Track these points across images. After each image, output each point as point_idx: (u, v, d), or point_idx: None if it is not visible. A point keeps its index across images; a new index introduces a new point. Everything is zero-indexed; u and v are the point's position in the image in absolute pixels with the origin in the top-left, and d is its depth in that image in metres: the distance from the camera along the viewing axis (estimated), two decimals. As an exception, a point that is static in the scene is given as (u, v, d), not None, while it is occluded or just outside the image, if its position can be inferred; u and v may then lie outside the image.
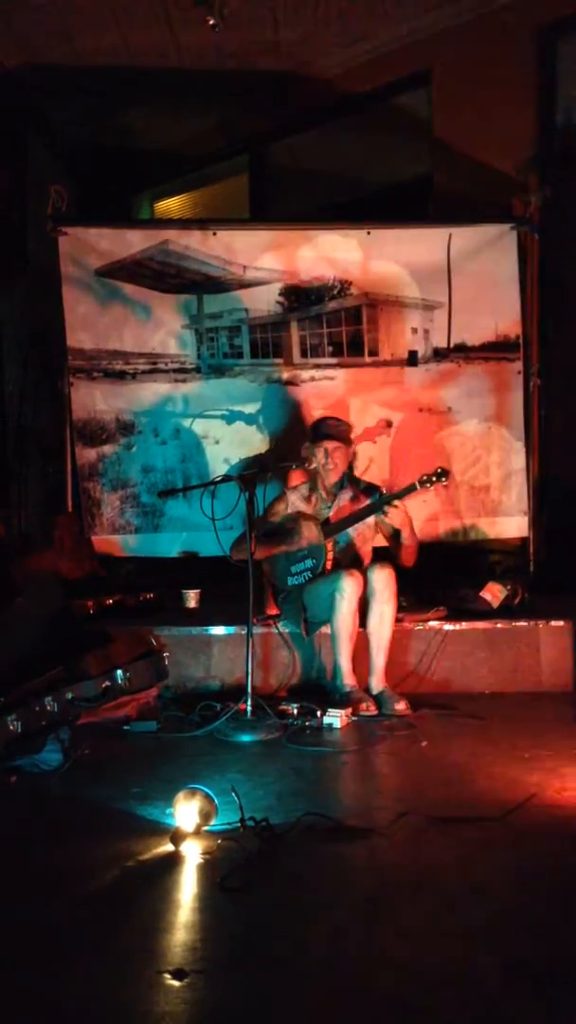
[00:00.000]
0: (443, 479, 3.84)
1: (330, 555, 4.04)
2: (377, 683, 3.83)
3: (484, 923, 1.94)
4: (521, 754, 3.15)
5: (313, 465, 4.05)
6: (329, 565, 4.01)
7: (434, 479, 3.82)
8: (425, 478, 3.83)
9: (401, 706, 3.69)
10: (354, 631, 3.82)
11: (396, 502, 3.82)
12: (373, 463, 5.04)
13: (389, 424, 5.10)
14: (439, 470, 3.84)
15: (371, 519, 4.03)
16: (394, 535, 3.98)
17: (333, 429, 4.09)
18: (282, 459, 4.42)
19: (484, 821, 2.49)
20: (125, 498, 5.10)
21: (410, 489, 3.84)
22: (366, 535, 4.12)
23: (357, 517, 4.01)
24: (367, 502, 4.04)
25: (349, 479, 4.16)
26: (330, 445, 4.03)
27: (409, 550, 3.95)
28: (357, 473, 4.49)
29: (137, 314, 5.10)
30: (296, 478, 4.31)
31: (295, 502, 4.16)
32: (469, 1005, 1.63)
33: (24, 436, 5.78)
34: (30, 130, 6.34)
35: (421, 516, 4.29)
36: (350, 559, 4.07)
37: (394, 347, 5.13)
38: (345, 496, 4.12)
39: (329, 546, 4.04)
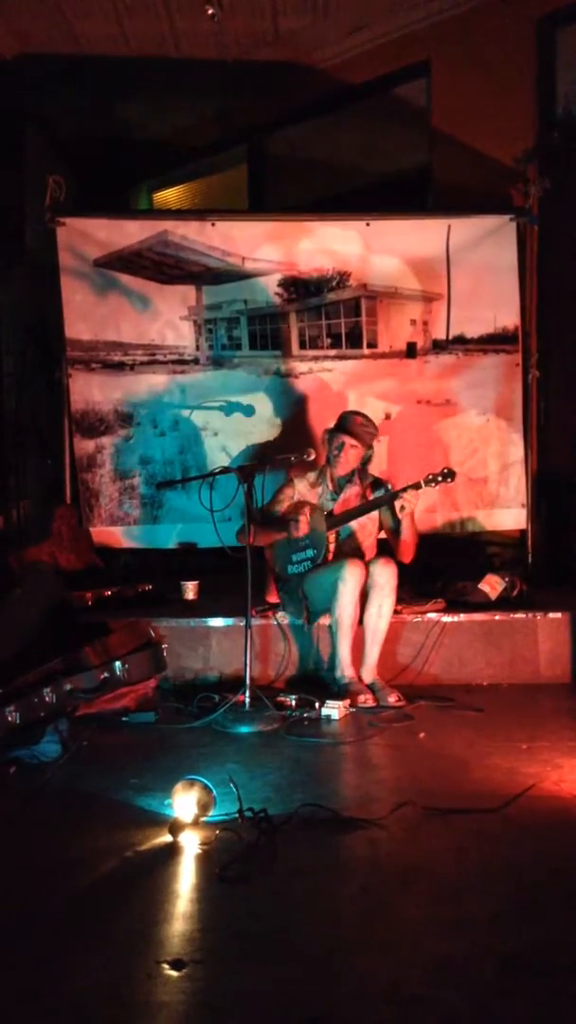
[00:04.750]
0: (449, 479, 3.86)
1: (332, 546, 4.04)
2: (368, 675, 3.84)
3: (481, 914, 1.94)
4: (519, 745, 3.16)
5: (312, 457, 4.05)
6: (331, 557, 4.01)
7: (440, 479, 3.83)
8: (431, 477, 3.83)
9: (393, 698, 3.71)
10: (355, 621, 3.82)
11: (408, 497, 3.82)
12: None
13: (388, 416, 5.10)
14: (446, 471, 3.85)
15: (374, 512, 4.04)
16: (395, 529, 3.98)
17: (358, 427, 4.06)
18: (281, 451, 4.41)
19: (482, 812, 2.50)
20: (123, 489, 5.09)
21: (415, 487, 3.84)
22: (368, 528, 4.11)
23: (360, 511, 4.01)
24: (372, 497, 4.05)
25: (359, 474, 4.14)
26: (347, 440, 4.02)
27: (408, 545, 3.93)
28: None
29: (135, 305, 5.09)
30: (299, 469, 4.29)
31: (301, 490, 4.15)
32: (467, 996, 1.64)
33: (22, 427, 5.77)
34: (28, 121, 6.31)
35: (419, 508, 4.28)
36: (352, 550, 4.06)
37: (393, 339, 5.12)
38: (352, 490, 4.10)
39: (331, 537, 4.04)
